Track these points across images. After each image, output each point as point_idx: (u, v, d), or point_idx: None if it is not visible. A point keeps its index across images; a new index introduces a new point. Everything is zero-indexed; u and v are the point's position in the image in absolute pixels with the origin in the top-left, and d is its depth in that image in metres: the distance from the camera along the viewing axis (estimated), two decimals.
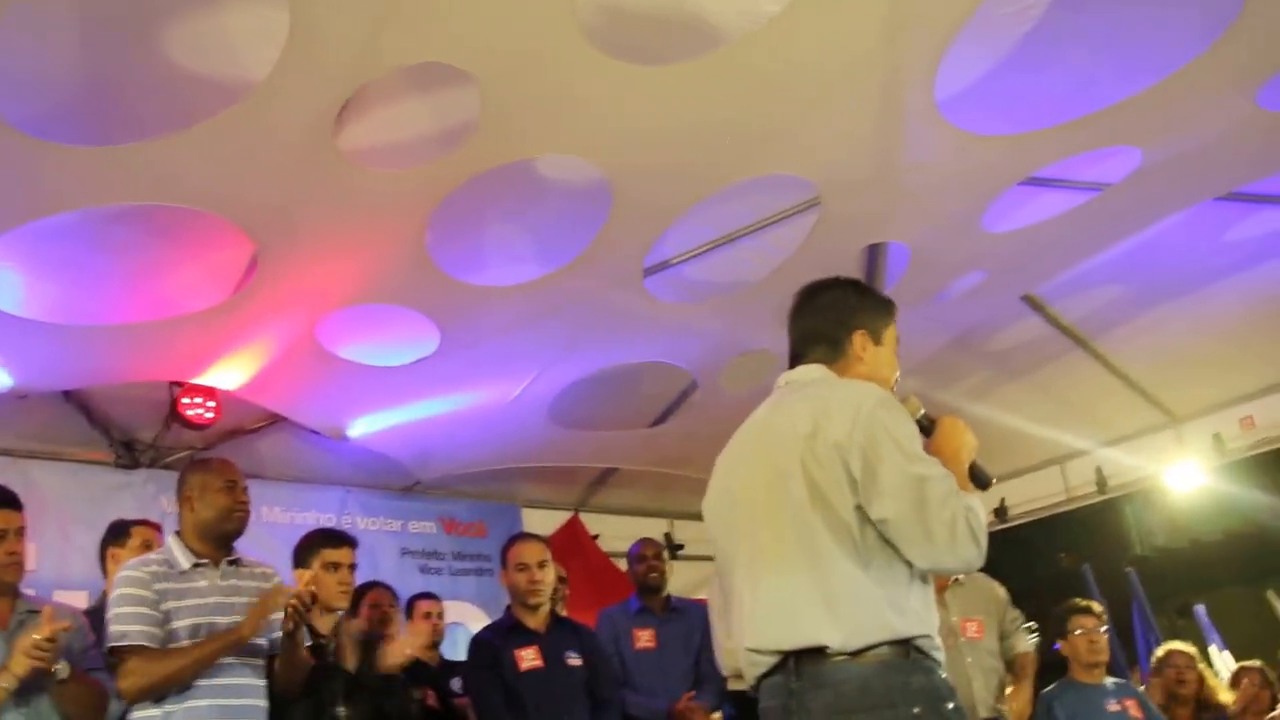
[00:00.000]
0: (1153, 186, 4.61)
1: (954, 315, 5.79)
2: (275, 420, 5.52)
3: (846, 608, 2.11)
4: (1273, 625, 6.21)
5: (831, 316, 2.45)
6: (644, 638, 4.62)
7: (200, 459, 3.55)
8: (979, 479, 2.35)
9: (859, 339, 2.41)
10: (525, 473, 6.65)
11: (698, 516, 8.31)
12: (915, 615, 2.14)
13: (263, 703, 3.20)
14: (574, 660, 4.08)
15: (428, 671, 4.62)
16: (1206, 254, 5.65)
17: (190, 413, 4.97)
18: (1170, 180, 4.59)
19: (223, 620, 3.15)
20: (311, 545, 3.67)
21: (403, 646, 3.61)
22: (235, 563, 3.32)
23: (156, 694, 3.03)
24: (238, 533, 3.33)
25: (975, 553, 2.14)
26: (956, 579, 4.58)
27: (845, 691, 2.08)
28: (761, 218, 5.02)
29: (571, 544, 6.57)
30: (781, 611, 2.17)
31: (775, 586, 2.20)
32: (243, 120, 3.26)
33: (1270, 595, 6.34)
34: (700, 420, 6.19)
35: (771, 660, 2.19)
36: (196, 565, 3.22)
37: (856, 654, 2.09)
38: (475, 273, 4.53)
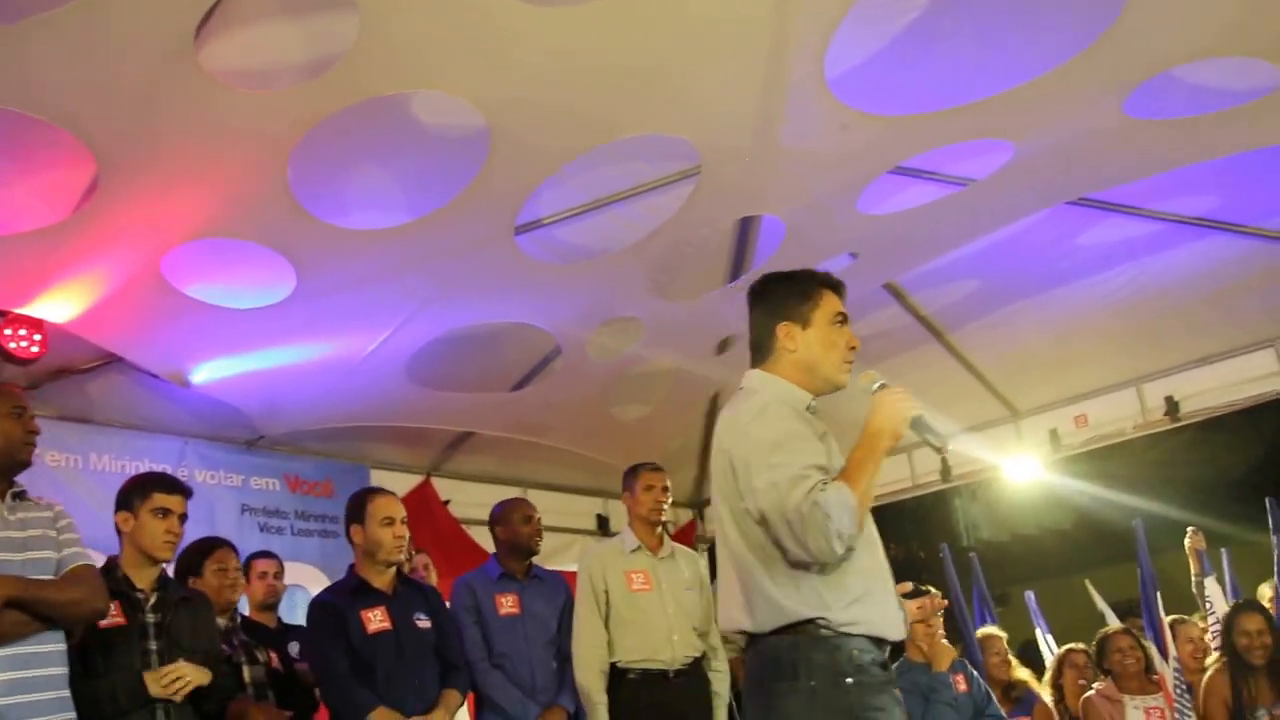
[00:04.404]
0: (1018, 184, 4.77)
1: None
2: (110, 360, 5.12)
3: (751, 595, 2.46)
4: (1086, 612, 6.58)
5: (760, 319, 2.65)
6: (507, 603, 4.45)
7: None
8: (927, 438, 2.55)
9: (783, 331, 2.59)
10: (377, 432, 6.39)
11: (553, 486, 8.22)
12: (811, 598, 2.38)
13: (59, 669, 2.94)
14: (423, 622, 3.93)
15: (268, 634, 4.40)
16: (1058, 256, 5.92)
17: (12, 345, 4.54)
18: (1036, 179, 4.75)
19: (15, 557, 2.90)
20: (143, 487, 3.40)
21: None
22: (20, 496, 3.07)
23: None
24: (26, 464, 3.10)
25: (824, 545, 2.30)
26: None
27: (761, 664, 2.46)
28: (638, 184, 4.96)
29: (421, 509, 6.38)
30: (722, 599, 2.59)
31: (719, 578, 2.62)
32: (89, 17, 2.97)
33: (1089, 584, 6.69)
34: (561, 387, 6.10)
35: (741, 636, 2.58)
36: None
37: (769, 634, 2.43)
38: (339, 214, 4.30)
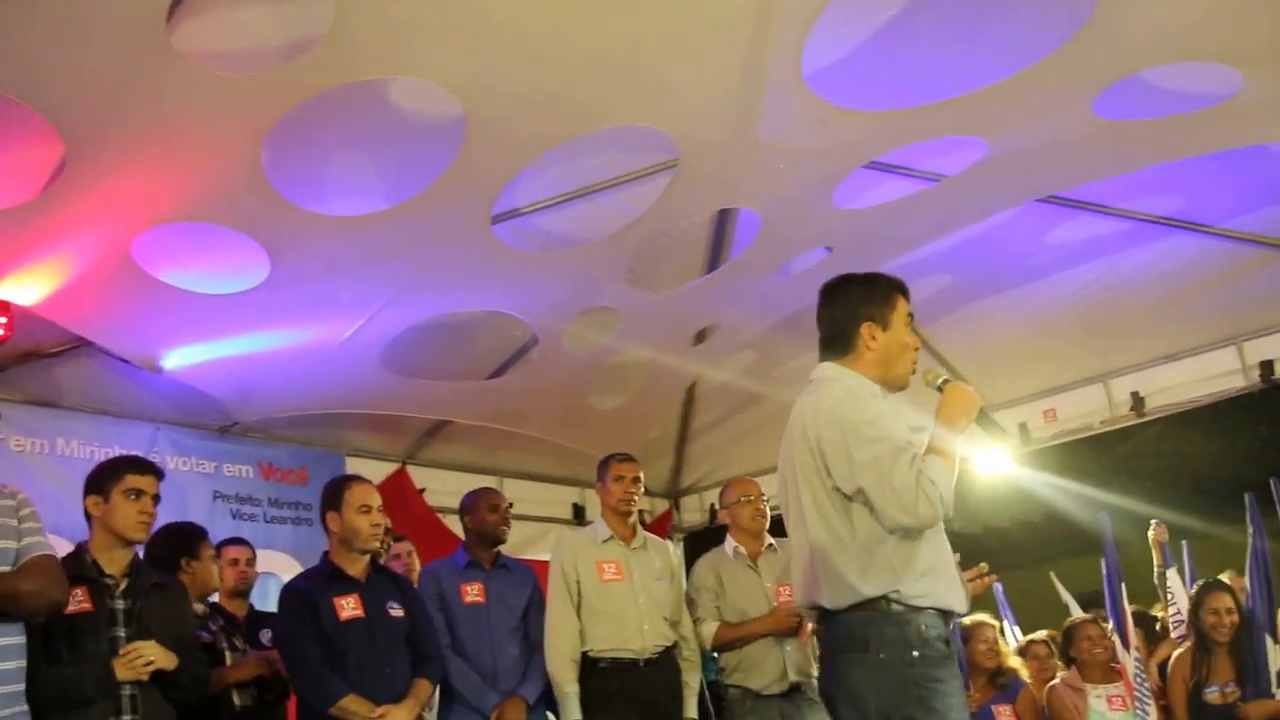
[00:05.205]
0: (990, 181, 4.82)
1: (791, 293, 5.89)
2: (79, 344, 5.07)
3: (828, 576, 2.64)
4: (1050, 603, 6.66)
5: (840, 314, 2.81)
6: (472, 591, 4.47)
7: None
8: (990, 429, 2.80)
9: (866, 331, 2.77)
10: (352, 419, 6.38)
11: (528, 475, 8.18)
12: (885, 573, 2.57)
13: (12, 664, 2.90)
14: (396, 610, 3.92)
15: (237, 622, 4.38)
16: (1028, 253, 5.99)
17: None
18: (1007, 176, 4.80)
19: None
20: (115, 469, 3.39)
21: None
22: None
23: None
24: None
25: (931, 511, 2.50)
26: (770, 545, 4.72)
27: (836, 637, 2.65)
28: (617, 175, 4.97)
29: (397, 497, 6.36)
30: (800, 577, 2.77)
31: (797, 558, 2.80)
32: None
33: (1053, 575, 6.78)
34: (538, 377, 6.11)
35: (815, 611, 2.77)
36: None
37: (843, 611, 2.62)
38: (314, 200, 4.28)
